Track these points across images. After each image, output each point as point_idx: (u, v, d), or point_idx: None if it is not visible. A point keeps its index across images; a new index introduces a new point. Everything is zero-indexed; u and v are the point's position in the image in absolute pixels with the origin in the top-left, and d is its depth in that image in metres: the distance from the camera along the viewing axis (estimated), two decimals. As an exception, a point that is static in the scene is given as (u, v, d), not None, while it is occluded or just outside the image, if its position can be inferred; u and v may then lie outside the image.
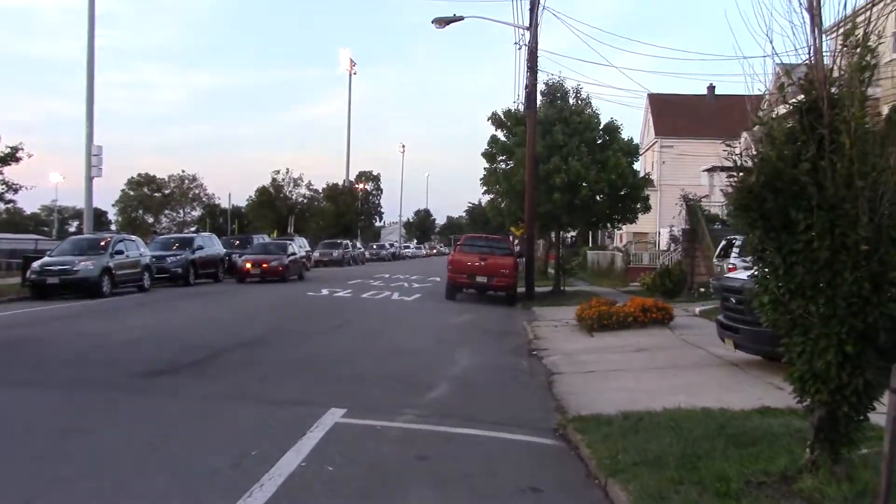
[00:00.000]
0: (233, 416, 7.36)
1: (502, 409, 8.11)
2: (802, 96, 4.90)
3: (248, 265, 29.57)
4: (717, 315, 11.15)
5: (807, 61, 4.87)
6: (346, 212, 69.51)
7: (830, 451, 4.87)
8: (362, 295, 23.62)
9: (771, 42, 4.92)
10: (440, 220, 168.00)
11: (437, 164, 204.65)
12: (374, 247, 78.68)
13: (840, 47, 4.85)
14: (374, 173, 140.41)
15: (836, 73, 4.81)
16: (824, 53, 4.78)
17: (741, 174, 4.84)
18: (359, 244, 66.45)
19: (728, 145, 5.04)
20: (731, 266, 18.67)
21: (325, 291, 24.53)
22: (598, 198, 24.96)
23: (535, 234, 26.13)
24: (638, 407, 7.70)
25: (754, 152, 5.05)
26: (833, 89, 4.77)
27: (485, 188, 27.30)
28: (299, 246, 38.32)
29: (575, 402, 8.42)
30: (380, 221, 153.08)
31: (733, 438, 6.24)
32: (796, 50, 5.08)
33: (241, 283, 28.44)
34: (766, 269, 4.93)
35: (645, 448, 6.08)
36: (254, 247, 33.78)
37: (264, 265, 29.72)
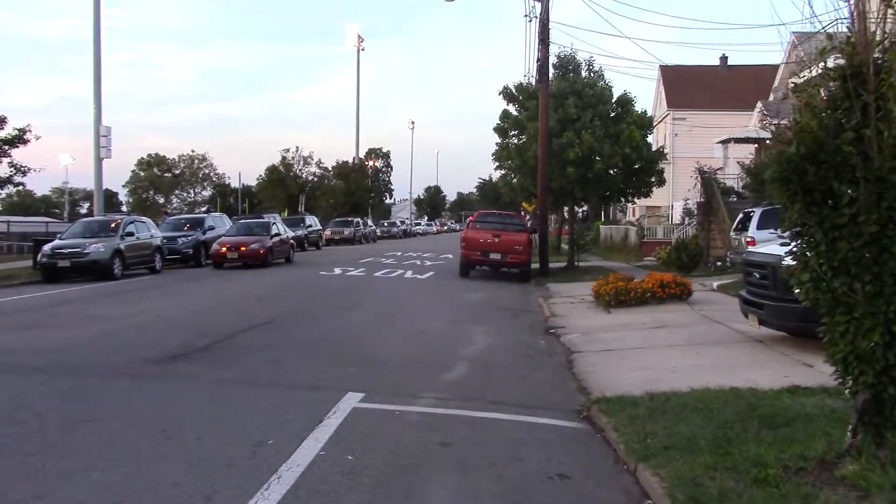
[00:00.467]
0: (247, 402, 7.20)
1: (523, 391, 7.93)
2: (843, 61, 4.61)
3: (225, 248, 26.15)
4: (740, 290, 10.90)
5: (848, 24, 4.57)
6: (357, 189, 69.33)
7: (875, 434, 4.64)
8: (375, 274, 23.55)
9: (811, 5, 4.62)
10: (450, 196, 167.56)
11: (447, 140, 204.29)
12: (385, 224, 78.63)
13: (884, 9, 4.55)
14: (384, 150, 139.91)
15: (879, 37, 4.52)
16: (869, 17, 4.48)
17: (780, 144, 4.56)
18: (370, 222, 66.40)
19: (765, 115, 4.75)
20: (749, 239, 18.38)
21: (337, 271, 24.45)
22: (611, 172, 24.83)
23: (547, 210, 25.97)
24: (663, 387, 7.51)
25: (791, 121, 4.76)
26: (877, 54, 4.48)
27: (497, 164, 27.20)
28: (308, 225, 37.74)
29: (597, 381, 8.23)
30: (390, 199, 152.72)
31: (765, 420, 6.04)
32: (837, 11, 4.78)
33: (217, 269, 25.60)
34: (807, 245, 4.68)
35: (674, 431, 5.89)
36: (232, 227, 29.85)
37: (243, 248, 26.25)
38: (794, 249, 4.78)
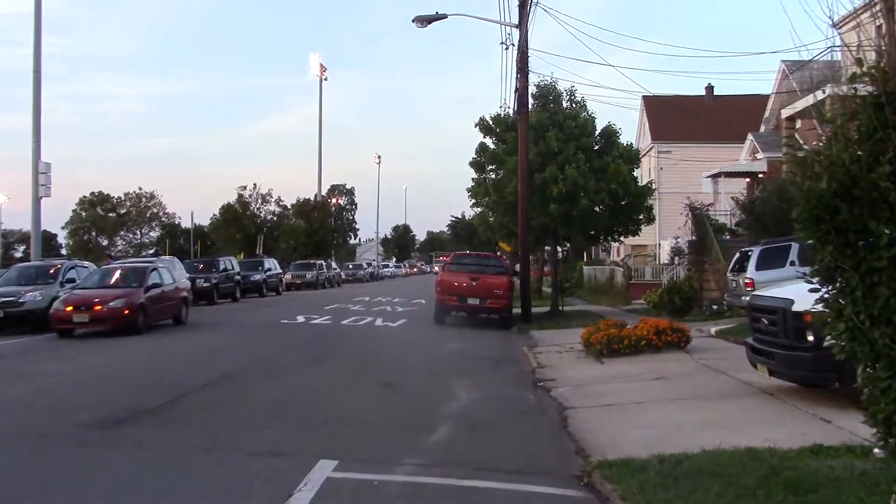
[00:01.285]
0: (205, 472, 6.82)
1: (515, 454, 7.65)
2: (872, 89, 4.50)
3: (69, 308, 19.41)
4: (743, 337, 10.78)
5: (878, 49, 4.47)
6: (319, 229, 69.14)
7: (923, 505, 4.43)
8: (343, 322, 23.41)
9: (834, 25, 4.53)
10: (420, 235, 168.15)
11: (416, 176, 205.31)
12: (351, 267, 78.44)
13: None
14: (348, 187, 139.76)
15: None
16: None
17: (808, 180, 4.41)
18: (333, 264, 66.09)
19: (789, 145, 4.62)
20: (748, 281, 18.38)
21: (300, 318, 24.21)
22: (597, 209, 24.83)
23: (528, 249, 25.97)
24: (670, 447, 7.26)
25: (812, 152, 4.62)
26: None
27: (473, 200, 27.21)
28: (225, 267, 36.06)
29: (596, 441, 7.98)
30: (355, 238, 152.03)
31: (791, 485, 5.81)
32: (829, 40, 4.70)
33: (61, 339, 19.15)
34: (841, 291, 4.51)
35: (691, 500, 5.63)
36: (91, 275, 22.62)
37: (97, 307, 19.48)
38: (826, 296, 4.61)
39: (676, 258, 31.59)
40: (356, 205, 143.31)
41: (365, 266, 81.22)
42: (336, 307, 30.07)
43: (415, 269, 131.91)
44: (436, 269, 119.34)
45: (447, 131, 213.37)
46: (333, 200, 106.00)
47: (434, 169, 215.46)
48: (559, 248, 32.63)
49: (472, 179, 26.93)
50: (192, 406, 10.06)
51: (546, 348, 16.72)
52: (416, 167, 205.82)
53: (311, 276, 52.79)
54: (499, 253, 36.07)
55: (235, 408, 9.89)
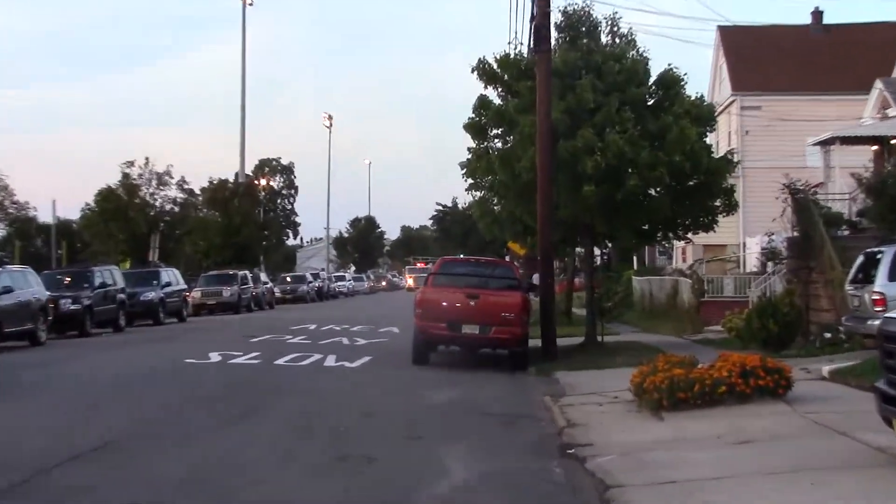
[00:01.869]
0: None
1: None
2: None
3: None
4: (877, 380, 10.76)
5: None
6: (243, 224, 69.21)
7: None
8: (277, 361, 23.54)
9: None
10: (392, 232, 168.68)
11: (385, 147, 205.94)
12: (289, 280, 78.85)
13: None
14: (285, 163, 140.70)
15: None
16: None
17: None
18: (263, 276, 66.21)
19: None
20: (877, 297, 18.41)
21: (214, 357, 24.34)
22: (652, 192, 24.93)
23: (551, 252, 26.06)
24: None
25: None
26: None
27: (469, 180, 27.25)
28: (103, 281, 35.35)
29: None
30: (294, 238, 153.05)
31: None
32: None
33: None
34: None
35: None
36: None
37: None
38: None
39: (770, 264, 31.68)
40: (297, 189, 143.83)
41: (310, 279, 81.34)
42: (268, 340, 30.24)
43: (383, 283, 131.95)
44: (409, 281, 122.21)
45: (430, 81, 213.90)
46: (263, 182, 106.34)
47: (411, 137, 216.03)
48: (597, 251, 32.66)
49: (469, 150, 26.96)
50: (53, 489, 9.96)
51: (579, 398, 16.76)
52: (385, 134, 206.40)
53: (231, 294, 53.13)
54: (508, 258, 36.10)
55: (116, 491, 9.81)
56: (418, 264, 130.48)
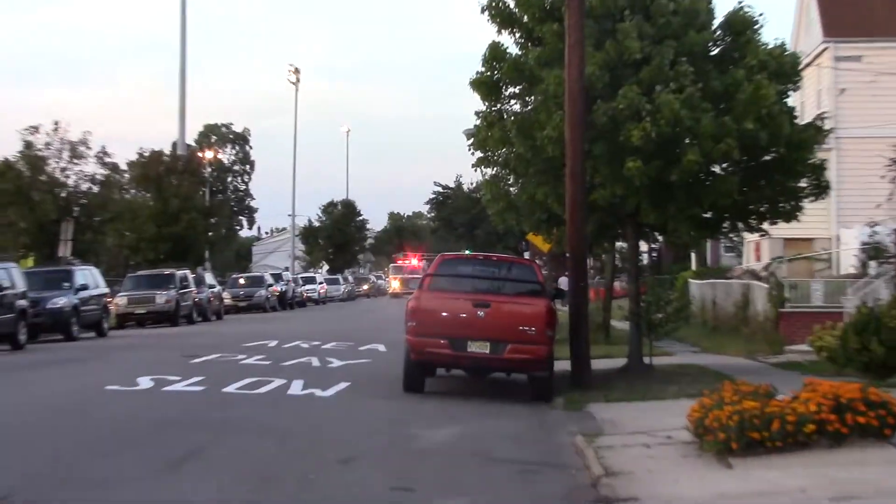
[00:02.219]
0: None
1: None
2: None
3: None
4: None
5: None
6: (182, 209, 69.15)
7: None
8: (226, 388, 23.45)
9: None
10: (377, 221, 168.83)
11: (368, 110, 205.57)
12: (242, 282, 78.81)
13: None
14: (238, 129, 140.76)
15: None
16: None
17: None
18: (209, 277, 66.20)
19: None
20: None
21: (145, 383, 24.33)
22: (717, 169, 24.89)
23: (585, 248, 25.93)
24: None
25: None
26: None
27: (478, 153, 27.30)
28: (80, 286, 35.63)
29: None
30: (250, 228, 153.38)
31: None
32: None
33: None
34: None
35: None
36: None
37: None
38: None
39: (873, 264, 31.55)
40: (253, 164, 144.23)
41: (270, 281, 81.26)
42: (214, 360, 30.41)
43: (365, 287, 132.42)
44: (393, 284, 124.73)
45: (429, 29, 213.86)
46: (209, 155, 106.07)
47: (401, 96, 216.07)
48: (644, 247, 32.53)
49: (477, 115, 26.98)
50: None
51: (620, 439, 16.73)
52: (368, 94, 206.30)
53: (167, 301, 53.20)
54: (528, 255, 35.99)
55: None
56: (406, 261, 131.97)
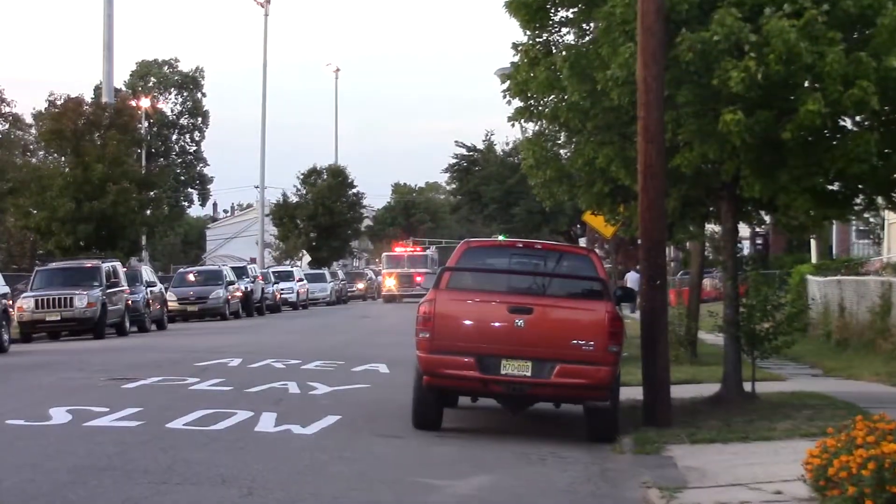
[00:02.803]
0: None
1: None
2: None
3: None
4: None
5: None
6: (109, 178, 69.01)
7: None
8: (170, 423, 23.51)
9: None
10: (376, 197, 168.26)
11: (364, 50, 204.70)
12: (192, 278, 78.79)
13: None
14: (185, 69, 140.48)
15: None
16: None
17: None
18: (147, 270, 66.27)
19: None
20: None
21: (58, 415, 24.40)
22: (847, 123, 24.95)
23: (663, 232, 25.87)
24: None
25: None
26: None
27: (516, 101, 27.44)
28: None
29: None
30: (203, 205, 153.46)
31: None
32: None
33: None
34: None
35: None
36: None
37: None
38: None
39: None
40: (207, 116, 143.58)
41: (230, 277, 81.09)
42: (155, 385, 30.56)
43: (361, 286, 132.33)
44: (387, 283, 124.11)
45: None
46: (146, 103, 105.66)
47: (409, 26, 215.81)
48: (745, 231, 32.42)
49: (516, 48, 27.13)
50: None
51: (711, 493, 16.80)
52: (364, 23, 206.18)
53: (88, 305, 53.15)
54: (584, 242, 36.08)
55: None
56: (402, 249, 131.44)
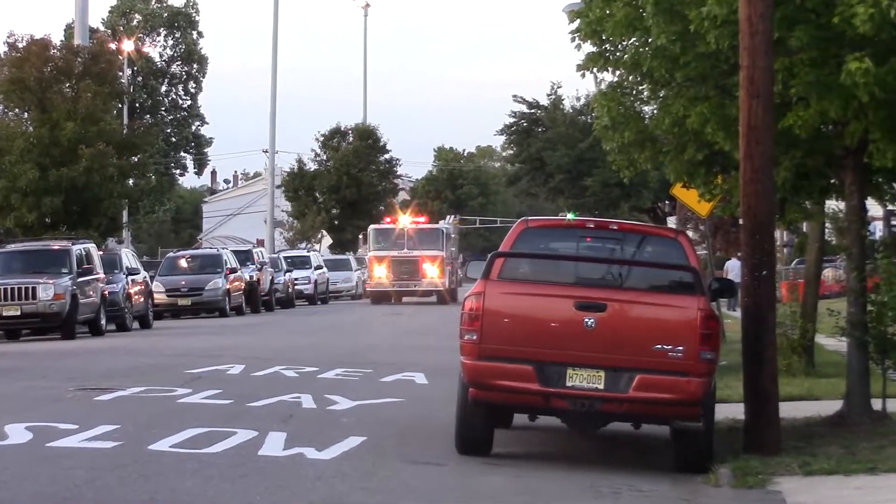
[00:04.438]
0: None
1: None
2: None
3: None
4: None
5: None
6: (82, 139, 69.13)
7: None
8: (154, 444, 23.47)
9: None
10: (414, 165, 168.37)
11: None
12: (184, 265, 78.79)
13: None
14: (177, 6, 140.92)
15: None
16: None
17: None
18: (128, 254, 66.45)
19: None
20: None
21: (15, 433, 24.47)
22: None
23: (771, 210, 25.76)
24: None
25: None
26: None
27: (587, 44, 27.53)
28: None
29: None
30: (199, 174, 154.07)
31: None
32: None
33: None
34: None
35: None
36: None
37: None
38: None
39: None
40: (204, 63, 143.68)
41: (231, 263, 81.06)
42: (136, 396, 30.66)
43: (392, 279, 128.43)
44: (376, 275, 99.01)
45: None
46: (129, 47, 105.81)
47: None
48: (876, 209, 32.39)
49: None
50: None
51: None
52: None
53: (55, 297, 53.20)
54: (675, 223, 36.20)
55: None
56: (404, 222, 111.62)
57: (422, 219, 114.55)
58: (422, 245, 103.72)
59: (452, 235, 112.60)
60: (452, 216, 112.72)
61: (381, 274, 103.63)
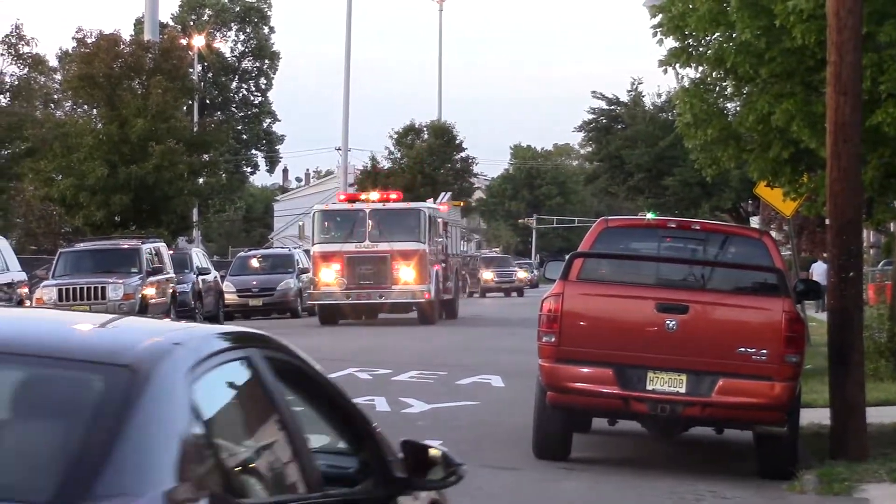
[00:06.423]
0: None
1: None
2: None
3: None
4: None
5: None
6: (152, 136, 69.18)
7: None
8: None
9: None
10: (491, 164, 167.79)
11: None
12: (255, 264, 78.45)
13: None
14: (249, 0, 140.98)
15: None
16: None
17: None
18: (199, 253, 66.51)
19: None
20: None
21: None
22: None
23: (859, 210, 25.65)
24: None
25: None
26: None
27: (669, 39, 27.68)
28: None
29: None
30: (271, 172, 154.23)
31: None
32: None
33: None
34: None
35: None
36: None
37: None
38: None
39: None
40: (276, 59, 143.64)
41: (303, 262, 80.00)
42: None
43: (346, 286, 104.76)
44: (323, 278, 78.42)
45: None
46: (199, 41, 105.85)
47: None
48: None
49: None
50: None
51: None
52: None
53: (125, 297, 53.52)
54: (756, 222, 36.01)
55: None
56: (359, 201, 78.41)
57: (393, 195, 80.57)
58: (392, 235, 72.95)
59: (436, 218, 78.55)
60: (445, 194, 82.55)
61: (329, 278, 72.18)
